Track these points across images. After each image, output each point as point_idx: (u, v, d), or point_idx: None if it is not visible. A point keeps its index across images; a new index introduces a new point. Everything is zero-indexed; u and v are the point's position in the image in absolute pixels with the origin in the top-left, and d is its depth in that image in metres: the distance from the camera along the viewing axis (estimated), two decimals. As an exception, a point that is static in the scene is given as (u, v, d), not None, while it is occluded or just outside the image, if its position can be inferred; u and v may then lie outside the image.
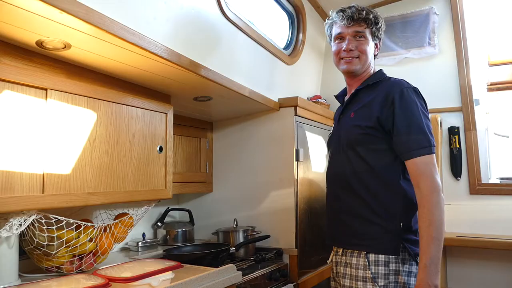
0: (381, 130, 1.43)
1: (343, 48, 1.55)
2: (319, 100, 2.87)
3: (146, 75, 1.65)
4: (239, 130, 2.55)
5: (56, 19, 1.12)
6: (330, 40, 1.66)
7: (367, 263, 1.40)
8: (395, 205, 1.41)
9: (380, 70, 1.62)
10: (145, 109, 1.76)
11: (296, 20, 2.77)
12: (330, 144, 1.67)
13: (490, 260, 2.65)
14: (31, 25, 1.15)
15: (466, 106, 2.76)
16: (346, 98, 1.66)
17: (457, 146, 2.77)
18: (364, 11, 1.55)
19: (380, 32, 1.61)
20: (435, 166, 1.35)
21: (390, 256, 1.38)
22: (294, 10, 2.74)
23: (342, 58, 1.57)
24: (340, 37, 1.58)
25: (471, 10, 2.93)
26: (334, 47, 1.61)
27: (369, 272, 1.39)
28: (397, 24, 2.98)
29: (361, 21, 1.54)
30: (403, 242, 1.40)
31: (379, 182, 1.44)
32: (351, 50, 1.54)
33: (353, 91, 1.59)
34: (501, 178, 2.82)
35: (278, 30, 2.70)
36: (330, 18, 1.64)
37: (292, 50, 2.73)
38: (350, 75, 1.60)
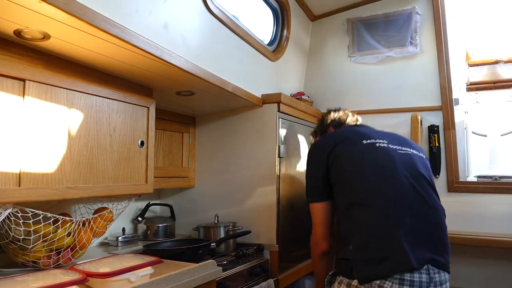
0: None
1: None
2: (303, 97, 2.88)
3: (127, 68, 1.63)
4: (222, 125, 2.55)
5: (35, 8, 1.09)
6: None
7: (329, 279, 1.67)
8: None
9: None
10: (127, 102, 1.73)
11: (281, 16, 2.77)
12: None
13: (467, 257, 2.70)
14: (8, 14, 1.12)
15: (446, 105, 2.81)
16: None
17: (437, 144, 2.81)
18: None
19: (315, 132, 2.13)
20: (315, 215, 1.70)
21: (341, 279, 1.52)
22: (279, 6, 2.74)
23: None
24: None
25: (452, 10, 2.97)
26: None
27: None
28: (380, 23, 3.00)
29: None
30: (351, 265, 1.45)
31: None
32: None
33: None
34: (478, 176, 2.87)
35: (263, 26, 2.70)
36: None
37: (276, 46, 2.73)
38: None
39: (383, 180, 1.50)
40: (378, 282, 1.35)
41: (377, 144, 1.60)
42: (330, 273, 1.68)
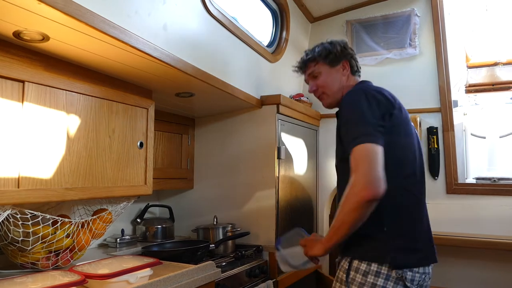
0: None
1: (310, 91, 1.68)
2: (302, 98, 2.88)
3: (127, 69, 1.63)
4: (221, 126, 2.55)
5: (34, 10, 1.10)
6: None
7: (347, 267, 1.39)
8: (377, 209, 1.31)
9: (356, 85, 1.60)
10: (126, 104, 1.74)
11: (280, 18, 2.77)
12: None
13: (466, 258, 2.70)
14: (7, 16, 1.12)
15: (445, 107, 2.81)
16: None
17: (435, 146, 2.82)
18: (308, 53, 1.66)
19: (336, 55, 1.61)
20: (370, 157, 1.25)
21: (372, 268, 1.33)
22: (278, 8, 2.74)
23: (318, 98, 1.67)
24: (307, 82, 1.71)
25: (451, 12, 2.98)
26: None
27: (345, 275, 1.38)
28: (379, 24, 3.01)
29: (308, 62, 1.65)
30: (388, 250, 1.33)
31: None
32: (314, 90, 1.65)
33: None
34: (477, 178, 2.88)
35: (262, 27, 2.70)
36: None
37: (276, 48, 2.74)
38: (331, 108, 1.67)
39: (417, 171, 1.47)
40: (407, 270, 1.32)
41: (411, 128, 1.51)
42: (342, 259, 1.45)
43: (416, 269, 1.34)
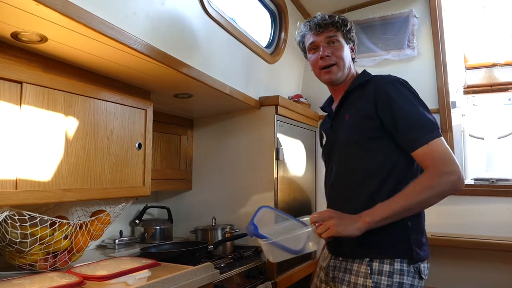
0: (381, 128, 1.35)
1: (319, 56, 1.50)
2: (300, 99, 2.88)
3: (125, 70, 1.62)
4: (219, 128, 2.55)
5: (32, 11, 1.10)
6: (305, 53, 1.61)
7: (369, 271, 1.31)
8: None
9: (365, 70, 1.57)
10: (124, 105, 1.73)
11: (279, 19, 2.77)
12: (325, 155, 1.59)
13: (464, 259, 2.70)
14: (5, 17, 1.12)
15: (443, 108, 2.81)
16: (335, 105, 1.58)
17: (434, 147, 2.81)
18: (329, 16, 1.51)
19: (352, 34, 1.56)
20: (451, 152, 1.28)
21: (395, 267, 1.30)
22: (276, 9, 2.74)
23: (321, 68, 1.51)
24: (314, 47, 1.53)
25: (450, 14, 2.98)
26: (311, 58, 1.56)
27: (370, 281, 1.30)
28: (378, 25, 3.01)
29: (329, 25, 1.50)
30: (410, 244, 1.32)
31: (384, 184, 1.35)
32: (327, 56, 1.48)
33: (343, 93, 1.51)
34: (475, 179, 2.88)
35: (260, 28, 2.70)
36: (299, 31, 1.60)
37: (274, 49, 2.74)
38: (333, 84, 1.56)
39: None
40: (421, 263, 1.35)
41: None
42: (353, 262, 1.37)
43: (426, 261, 1.37)
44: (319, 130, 1.72)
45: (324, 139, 1.62)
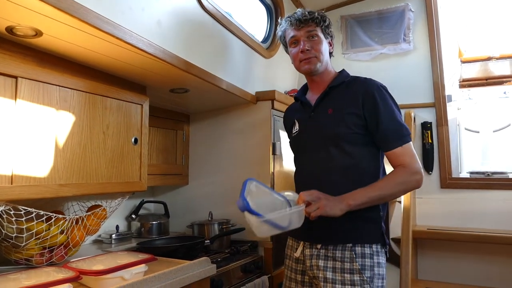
0: (364, 126, 1.49)
1: (300, 50, 1.59)
2: (296, 94, 2.88)
3: (121, 65, 1.62)
4: (216, 122, 2.54)
5: (27, 5, 1.09)
6: (286, 47, 1.71)
7: (354, 256, 1.45)
8: None
9: (344, 70, 1.68)
10: (120, 100, 1.73)
11: (275, 13, 2.76)
12: (300, 143, 1.67)
13: (460, 252, 2.73)
14: (0, 11, 1.11)
15: (439, 102, 2.83)
16: (310, 97, 1.68)
17: (430, 141, 2.83)
18: (309, 12, 1.61)
19: (330, 30, 1.66)
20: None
21: (374, 250, 1.47)
22: (272, 3, 2.73)
23: (301, 61, 1.60)
24: (294, 41, 1.62)
25: (445, 7, 2.99)
26: (292, 52, 1.65)
27: (357, 264, 1.44)
28: (374, 20, 3.01)
29: (309, 21, 1.59)
30: (382, 232, 1.52)
31: (363, 175, 1.50)
32: (307, 50, 1.58)
33: (326, 88, 1.60)
34: (471, 173, 2.90)
35: (256, 23, 2.69)
36: (280, 26, 1.69)
37: (270, 44, 2.73)
38: (311, 75, 1.64)
39: None
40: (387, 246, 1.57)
41: None
42: (335, 249, 1.47)
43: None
44: (289, 117, 1.79)
45: (296, 127, 1.69)
